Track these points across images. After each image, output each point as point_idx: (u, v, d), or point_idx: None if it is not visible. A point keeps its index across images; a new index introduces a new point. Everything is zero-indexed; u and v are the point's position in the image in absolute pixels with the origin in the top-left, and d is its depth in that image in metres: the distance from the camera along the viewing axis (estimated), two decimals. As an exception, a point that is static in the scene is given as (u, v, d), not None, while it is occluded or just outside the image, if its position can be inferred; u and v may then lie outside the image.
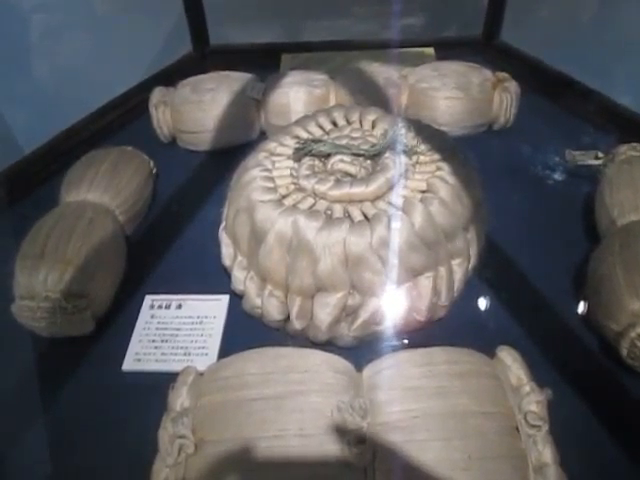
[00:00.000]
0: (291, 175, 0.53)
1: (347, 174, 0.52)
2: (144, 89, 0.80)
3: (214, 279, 0.58)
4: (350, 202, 0.49)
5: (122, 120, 0.81)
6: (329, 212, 0.49)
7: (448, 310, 0.52)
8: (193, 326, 0.55)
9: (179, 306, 0.57)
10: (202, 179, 0.72)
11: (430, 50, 0.89)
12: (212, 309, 0.56)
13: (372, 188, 0.49)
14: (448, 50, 0.88)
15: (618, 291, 0.48)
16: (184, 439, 0.39)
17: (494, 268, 0.57)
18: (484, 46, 0.90)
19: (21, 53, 0.80)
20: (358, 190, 0.49)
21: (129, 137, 0.78)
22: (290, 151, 0.55)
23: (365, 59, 0.81)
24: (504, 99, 0.73)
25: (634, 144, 0.62)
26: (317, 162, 0.53)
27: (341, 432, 0.39)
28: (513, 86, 0.74)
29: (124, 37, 0.90)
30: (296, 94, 0.72)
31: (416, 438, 0.38)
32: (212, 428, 0.40)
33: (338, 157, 0.53)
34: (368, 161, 0.53)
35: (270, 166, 0.54)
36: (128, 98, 0.82)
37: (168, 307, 0.57)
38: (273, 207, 0.49)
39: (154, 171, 0.70)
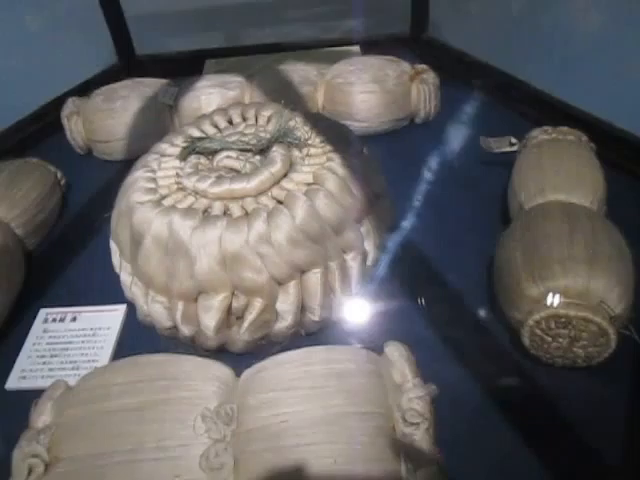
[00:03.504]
0: (177, 175, 0.50)
1: (232, 170, 0.50)
2: (64, 102, 0.78)
3: (114, 290, 0.55)
4: (232, 199, 0.47)
5: (40, 134, 0.79)
6: (209, 210, 0.46)
7: (348, 307, 0.50)
8: (86, 339, 0.52)
9: (74, 319, 0.54)
10: (113, 189, 0.69)
11: (356, 48, 0.87)
12: (107, 320, 0.53)
13: (254, 183, 0.47)
14: (376, 47, 0.86)
15: (517, 277, 0.46)
16: (35, 458, 0.36)
17: (402, 261, 0.55)
18: (412, 42, 0.89)
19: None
20: (239, 186, 0.47)
21: (46, 151, 0.76)
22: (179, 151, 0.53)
23: (289, 60, 0.79)
24: (421, 91, 0.71)
25: (545, 127, 0.60)
26: (203, 160, 0.51)
27: (202, 442, 0.36)
28: (431, 77, 0.72)
29: (51, 52, 0.89)
30: (208, 97, 0.70)
31: (283, 445, 0.35)
32: (67, 444, 0.37)
33: (225, 154, 0.51)
34: (257, 156, 0.51)
35: (156, 167, 0.51)
36: (46, 111, 0.80)
37: (62, 320, 0.54)
38: (151, 208, 0.46)
39: (62, 182, 0.67)
